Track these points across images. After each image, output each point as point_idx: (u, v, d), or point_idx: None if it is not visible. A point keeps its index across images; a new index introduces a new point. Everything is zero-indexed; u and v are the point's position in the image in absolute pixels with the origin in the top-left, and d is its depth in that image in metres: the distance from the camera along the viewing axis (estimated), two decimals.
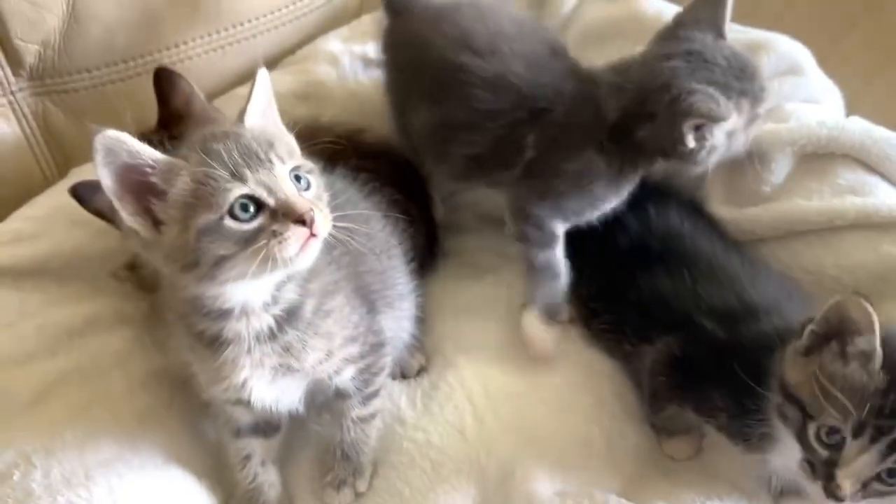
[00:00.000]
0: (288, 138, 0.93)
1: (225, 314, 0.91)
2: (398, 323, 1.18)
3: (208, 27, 1.59)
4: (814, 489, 0.91)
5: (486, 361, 1.24)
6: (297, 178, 0.88)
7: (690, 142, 1.14)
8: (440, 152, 1.33)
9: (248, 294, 0.91)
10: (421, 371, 1.26)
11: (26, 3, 1.39)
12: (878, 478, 0.89)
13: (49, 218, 1.37)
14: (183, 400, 1.13)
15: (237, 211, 0.82)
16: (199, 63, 1.59)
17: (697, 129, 1.14)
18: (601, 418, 1.18)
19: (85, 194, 1.16)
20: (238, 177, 0.83)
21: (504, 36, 1.27)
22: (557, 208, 1.24)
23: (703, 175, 1.31)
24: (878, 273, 1.18)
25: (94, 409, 1.13)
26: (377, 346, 1.08)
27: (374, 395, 1.11)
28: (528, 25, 1.34)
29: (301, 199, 0.85)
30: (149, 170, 0.83)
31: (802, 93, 1.40)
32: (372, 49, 1.64)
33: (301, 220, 0.83)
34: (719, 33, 1.20)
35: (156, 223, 0.85)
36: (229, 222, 0.82)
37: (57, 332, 1.23)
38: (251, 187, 0.83)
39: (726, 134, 1.16)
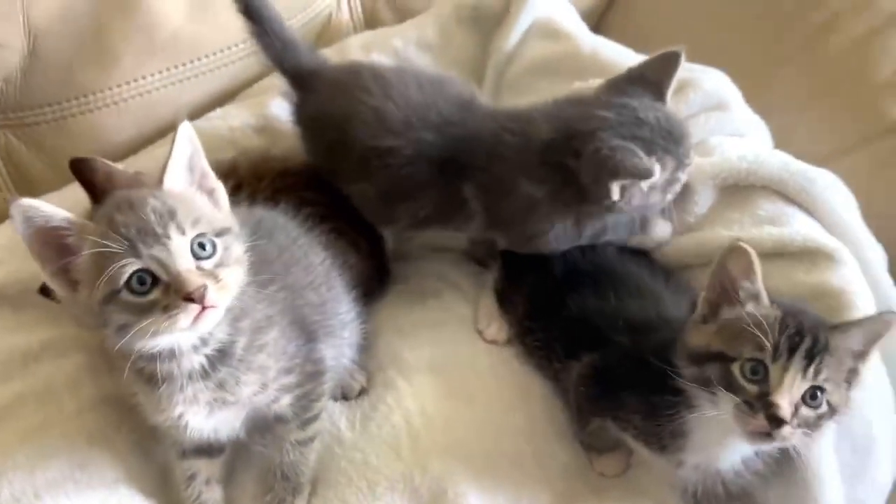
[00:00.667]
0: (203, 199, 0.95)
1: (154, 357, 0.94)
2: (339, 350, 1.19)
3: (166, 62, 1.60)
4: (757, 423, 0.95)
5: (425, 383, 1.26)
6: (202, 246, 0.89)
7: (615, 195, 1.17)
8: (385, 217, 1.36)
9: (175, 339, 0.92)
10: (362, 392, 1.27)
11: None
12: (804, 402, 0.95)
13: (8, 247, 1.39)
14: (132, 422, 1.15)
15: (133, 284, 0.85)
16: (157, 97, 1.60)
17: (623, 185, 1.17)
18: (533, 438, 1.21)
19: None
20: (133, 252, 0.85)
21: (413, 107, 1.28)
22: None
23: None
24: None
25: (46, 430, 1.15)
26: (315, 375, 1.09)
27: (314, 419, 1.12)
28: (432, 86, 1.33)
29: (192, 277, 0.86)
30: (65, 231, 0.87)
31: (727, 127, 1.44)
32: None
33: (191, 298, 0.85)
34: (660, 95, 1.23)
35: (73, 283, 0.89)
36: (126, 295, 0.86)
37: (13, 357, 1.26)
38: (145, 262, 0.85)
39: (646, 189, 1.19)
